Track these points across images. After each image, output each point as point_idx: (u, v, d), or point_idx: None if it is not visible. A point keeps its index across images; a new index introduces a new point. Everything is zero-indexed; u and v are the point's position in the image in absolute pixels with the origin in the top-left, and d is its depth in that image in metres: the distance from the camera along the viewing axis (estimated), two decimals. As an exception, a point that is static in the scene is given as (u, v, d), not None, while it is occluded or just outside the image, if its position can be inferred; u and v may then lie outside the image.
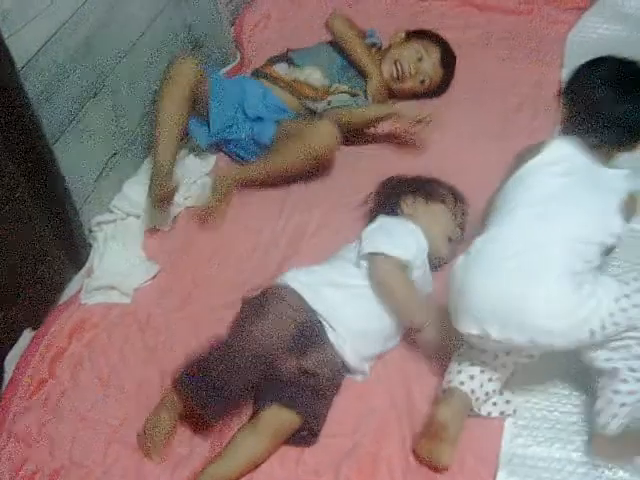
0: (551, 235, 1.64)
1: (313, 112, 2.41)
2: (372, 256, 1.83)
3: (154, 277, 2.07)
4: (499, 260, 1.63)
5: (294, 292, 1.78)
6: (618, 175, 1.76)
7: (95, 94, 2.09)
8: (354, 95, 2.44)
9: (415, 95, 2.55)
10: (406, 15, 2.85)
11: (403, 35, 2.56)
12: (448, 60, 2.54)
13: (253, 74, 2.51)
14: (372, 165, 2.31)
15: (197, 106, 2.30)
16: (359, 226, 2.00)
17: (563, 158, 1.75)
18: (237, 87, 2.39)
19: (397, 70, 2.49)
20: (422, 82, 2.51)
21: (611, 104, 1.74)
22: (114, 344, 1.91)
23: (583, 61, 2.60)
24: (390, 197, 2.02)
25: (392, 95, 2.55)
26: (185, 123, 2.26)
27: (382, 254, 1.82)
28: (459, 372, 1.68)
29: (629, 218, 1.77)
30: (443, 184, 2.04)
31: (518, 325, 1.57)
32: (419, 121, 2.31)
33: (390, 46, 2.56)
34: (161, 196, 2.11)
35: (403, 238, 1.88)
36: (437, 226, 1.96)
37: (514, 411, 1.70)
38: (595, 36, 2.77)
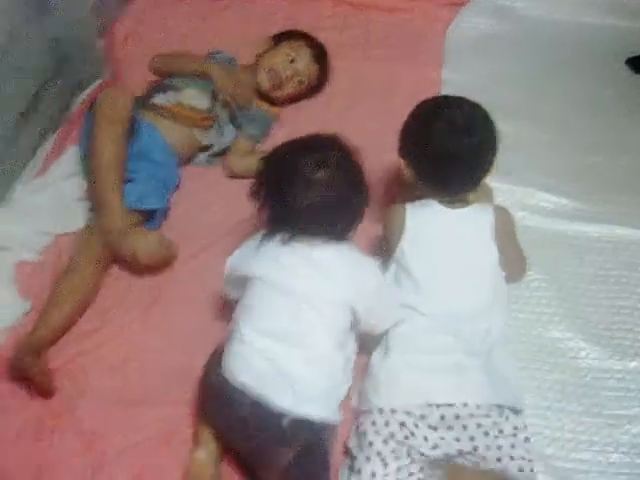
0: None
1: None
2: None
3: (26, 315, 1.93)
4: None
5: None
6: (477, 210, 1.83)
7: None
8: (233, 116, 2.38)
9: (297, 97, 2.52)
10: (280, 18, 2.78)
11: (269, 40, 2.52)
12: (319, 54, 2.52)
13: (137, 105, 2.28)
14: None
15: None
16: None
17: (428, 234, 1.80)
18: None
19: (273, 78, 2.44)
20: (300, 83, 2.48)
21: (455, 146, 1.75)
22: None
23: (462, 59, 2.64)
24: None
25: (273, 104, 2.49)
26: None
27: None
28: None
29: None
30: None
31: None
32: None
33: (258, 56, 2.50)
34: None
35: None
36: None
37: None
38: (473, 32, 2.77)
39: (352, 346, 1.73)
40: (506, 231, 1.84)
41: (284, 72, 2.44)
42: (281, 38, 2.53)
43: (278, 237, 1.68)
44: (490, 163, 1.82)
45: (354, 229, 1.76)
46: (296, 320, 1.61)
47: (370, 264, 1.74)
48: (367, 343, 1.79)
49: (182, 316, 1.94)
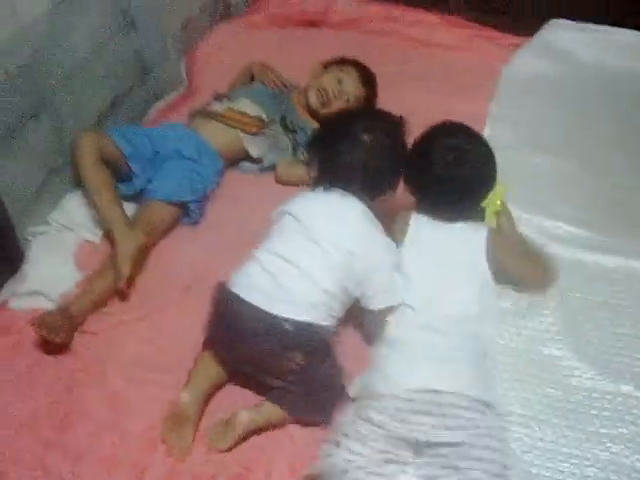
0: None
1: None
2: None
3: (78, 284, 2.16)
4: None
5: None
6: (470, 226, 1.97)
7: (36, 114, 2.21)
8: (289, 129, 2.61)
9: None
10: (347, 49, 2.94)
11: (320, 66, 2.75)
12: (367, 77, 2.71)
13: (189, 115, 2.64)
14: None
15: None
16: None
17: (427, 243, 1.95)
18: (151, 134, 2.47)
19: (322, 96, 2.65)
20: (347, 101, 2.66)
21: (444, 176, 1.91)
22: (37, 348, 2.01)
23: (512, 96, 2.77)
24: None
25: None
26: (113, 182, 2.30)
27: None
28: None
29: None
30: None
31: None
32: None
33: (311, 79, 2.72)
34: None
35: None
36: None
37: None
38: (528, 72, 2.90)
39: (349, 300, 1.89)
40: (502, 245, 1.97)
41: (331, 91, 2.64)
42: (331, 63, 2.74)
43: (320, 187, 1.96)
44: (482, 193, 1.97)
45: (385, 195, 1.99)
46: (304, 250, 1.84)
47: (386, 239, 1.93)
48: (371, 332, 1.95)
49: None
